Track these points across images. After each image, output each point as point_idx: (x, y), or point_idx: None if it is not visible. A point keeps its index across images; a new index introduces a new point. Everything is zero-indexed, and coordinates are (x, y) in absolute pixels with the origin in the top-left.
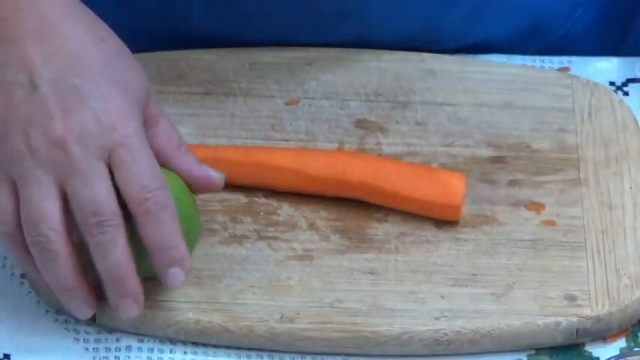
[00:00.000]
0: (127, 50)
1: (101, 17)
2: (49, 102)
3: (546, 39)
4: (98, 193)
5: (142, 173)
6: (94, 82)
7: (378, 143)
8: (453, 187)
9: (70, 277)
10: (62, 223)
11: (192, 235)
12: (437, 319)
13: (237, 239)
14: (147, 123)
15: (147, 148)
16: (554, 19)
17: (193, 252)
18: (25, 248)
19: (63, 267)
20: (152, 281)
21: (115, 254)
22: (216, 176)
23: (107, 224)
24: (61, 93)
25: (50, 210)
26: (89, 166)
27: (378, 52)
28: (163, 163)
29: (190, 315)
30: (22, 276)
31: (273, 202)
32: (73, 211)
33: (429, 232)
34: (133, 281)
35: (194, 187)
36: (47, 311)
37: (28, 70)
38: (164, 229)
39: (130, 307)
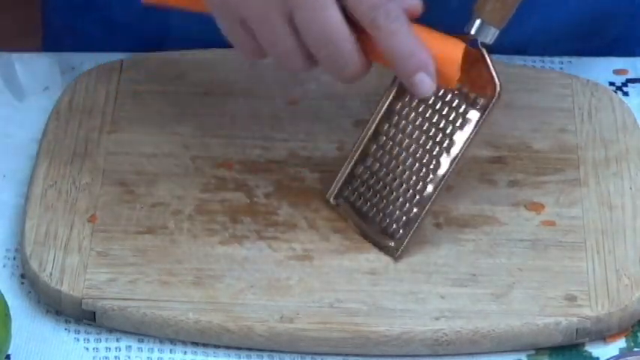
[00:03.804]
0: None
1: (101, 16)
2: None
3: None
4: (327, 21)
5: None
6: None
7: None
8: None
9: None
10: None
11: None
12: (437, 319)
13: (237, 239)
14: None
15: None
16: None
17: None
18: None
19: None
20: (152, 282)
21: (350, 67)
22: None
23: (339, 48)
24: None
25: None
26: None
27: None
28: None
29: (190, 315)
30: (22, 276)
31: (273, 202)
32: (304, 39)
33: (429, 232)
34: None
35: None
36: (47, 311)
37: None
38: (400, 39)
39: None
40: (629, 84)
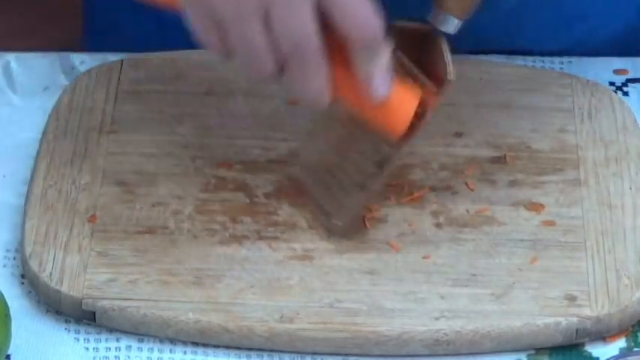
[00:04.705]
0: None
1: (101, 17)
2: None
3: None
4: (302, 27)
5: (355, 3)
6: None
7: None
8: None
9: (323, 79)
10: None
11: None
12: (437, 319)
13: (237, 239)
14: None
15: None
16: None
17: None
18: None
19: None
20: (152, 282)
21: (315, 85)
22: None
23: (308, 58)
24: None
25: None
26: None
27: None
28: None
29: (190, 315)
30: (22, 276)
31: (273, 202)
32: (275, 42)
33: (429, 232)
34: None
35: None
36: (47, 311)
37: None
38: (380, 59)
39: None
40: (629, 84)
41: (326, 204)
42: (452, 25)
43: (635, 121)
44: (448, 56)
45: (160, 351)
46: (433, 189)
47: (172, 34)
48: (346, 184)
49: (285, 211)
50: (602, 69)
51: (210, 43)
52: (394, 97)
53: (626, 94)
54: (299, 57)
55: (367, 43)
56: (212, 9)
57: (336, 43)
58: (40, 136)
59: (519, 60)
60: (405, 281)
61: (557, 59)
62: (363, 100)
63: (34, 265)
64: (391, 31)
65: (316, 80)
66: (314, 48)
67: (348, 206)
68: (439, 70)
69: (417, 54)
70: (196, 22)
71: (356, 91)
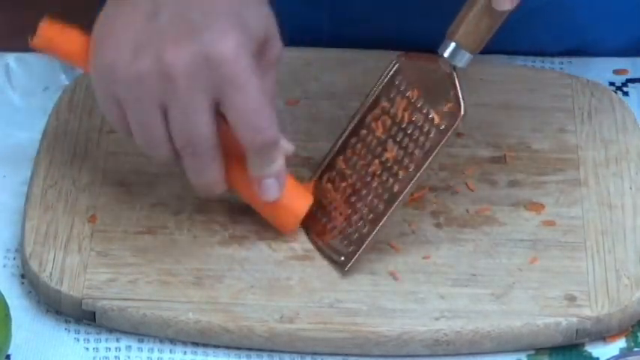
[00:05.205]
0: None
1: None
2: (164, 32)
3: None
4: (196, 127)
5: (250, 111)
6: (212, 17)
7: None
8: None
9: (217, 172)
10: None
11: None
12: (437, 319)
13: (237, 239)
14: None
15: (256, 85)
16: None
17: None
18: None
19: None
20: (152, 282)
21: (208, 177)
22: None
23: (201, 154)
24: (177, 24)
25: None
26: (191, 98)
27: (378, 52)
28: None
29: (190, 315)
30: (22, 276)
31: None
32: (171, 134)
33: (429, 232)
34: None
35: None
36: (47, 311)
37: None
38: (272, 166)
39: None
40: (629, 84)
41: (332, 239)
42: (463, 58)
43: (635, 121)
44: (459, 90)
45: (160, 351)
46: (433, 189)
47: None
48: (355, 221)
49: None
50: (602, 69)
51: (110, 119)
52: (285, 199)
53: (626, 94)
54: (193, 152)
55: (259, 150)
56: (115, 90)
57: (234, 137)
58: (40, 136)
59: (519, 60)
60: (405, 281)
61: (557, 59)
62: (256, 197)
63: (34, 265)
64: (403, 62)
65: (209, 173)
66: (208, 147)
67: (355, 243)
68: (447, 105)
69: (428, 85)
70: (100, 96)
71: (250, 187)
